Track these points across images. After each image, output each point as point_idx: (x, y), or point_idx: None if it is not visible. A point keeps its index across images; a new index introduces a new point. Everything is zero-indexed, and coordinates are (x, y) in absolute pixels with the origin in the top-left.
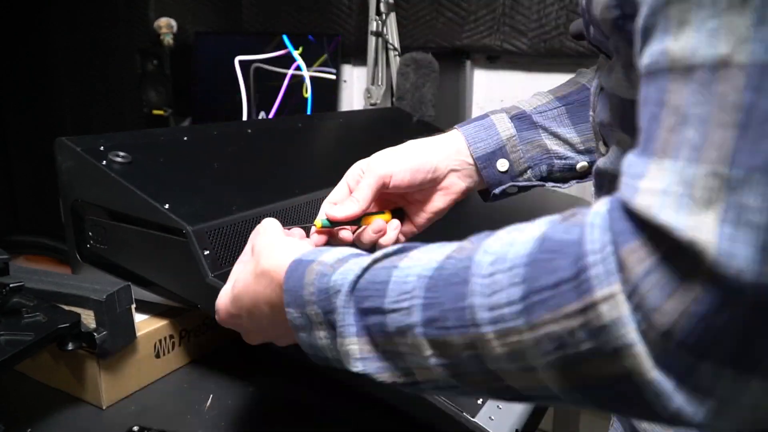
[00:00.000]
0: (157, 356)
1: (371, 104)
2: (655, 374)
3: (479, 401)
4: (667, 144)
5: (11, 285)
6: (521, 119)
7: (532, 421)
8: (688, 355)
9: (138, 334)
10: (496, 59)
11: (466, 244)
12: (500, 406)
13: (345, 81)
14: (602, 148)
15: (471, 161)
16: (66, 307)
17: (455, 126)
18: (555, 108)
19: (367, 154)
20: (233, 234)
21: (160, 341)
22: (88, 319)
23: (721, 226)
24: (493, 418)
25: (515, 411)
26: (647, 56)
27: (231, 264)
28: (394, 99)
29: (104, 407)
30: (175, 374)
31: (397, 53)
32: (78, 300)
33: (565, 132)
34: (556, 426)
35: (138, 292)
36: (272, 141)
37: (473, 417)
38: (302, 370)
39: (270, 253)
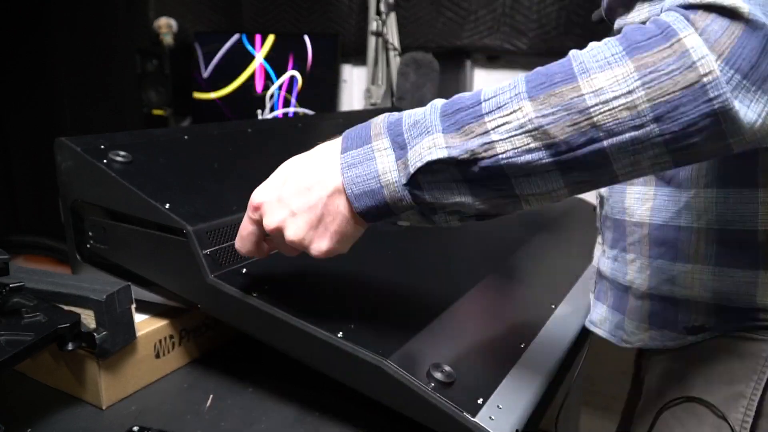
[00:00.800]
0: (157, 356)
1: (371, 104)
2: (718, 75)
3: (479, 401)
4: None
5: (11, 285)
6: None
7: (533, 421)
8: (732, 69)
9: (138, 334)
10: (496, 59)
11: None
12: (500, 406)
13: (345, 81)
14: None
15: None
16: (66, 307)
17: None
18: None
19: None
20: (233, 234)
21: (160, 341)
22: (88, 319)
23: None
24: (493, 417)
25: (515, 411)
26: None
27: (231, 264)
28: (394, 99)
29: (104, 407)
30: (175, 374)
31: (397, 53)
32: (78, 300)
33: None
34: (556, 426)
35: (138, 292)
36: (272, 141)
37: (473, 417)
38: (302, 370)
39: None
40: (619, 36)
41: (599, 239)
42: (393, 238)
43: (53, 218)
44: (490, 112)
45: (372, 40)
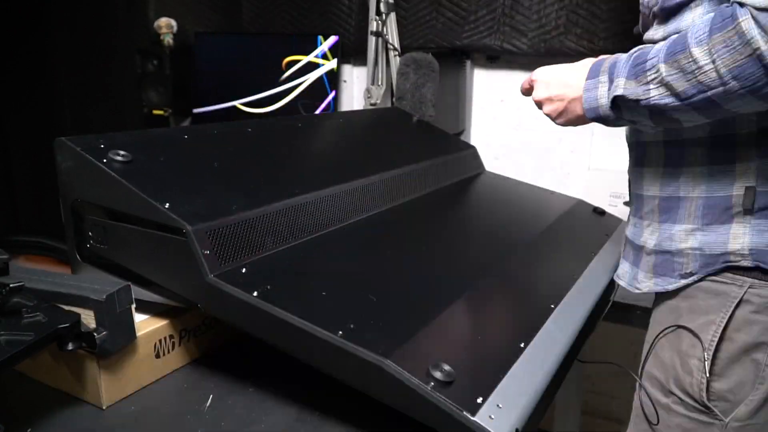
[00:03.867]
0: (157, 356)
1: (371, 104)
2: (764, 46)
3: (479, 400)
4: None
5: (11, 285)
6: None
7: (533, 420)
8: None
9: (138, 334)
10: (496, 59)
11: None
12: (500, 405)
13: (345, 81)
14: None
15: None
16: (66, 307)
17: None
18: None
19: (367, 154)
20: (233, 234)
21: (160, 341)
22: (88, 319)
23: None
24: (492, 416)
25: (515, 410)
26: None
27: (231, 264)
28: (394, 99)
29: (104, 407)
30: (175, 374)
31: (397, 53)
32: (78, 300)
33: None
34: (556, 426)
35: (138, 292)
36: (272, 141)
37: (473, 416)
38: (303, 370)
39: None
40: (706, 22)
41: (629, 211)
42: (393, 238)
43: (53, 218)
44: (649, 69)
45: (372, 40)
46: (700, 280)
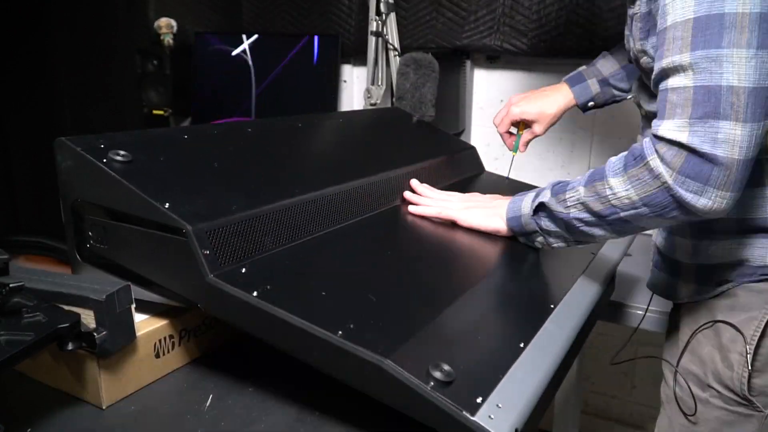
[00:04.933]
0: (157, 356)
1: (371, 104)
2: (674, 184)
3: (478, 400)
4: (669, 114)
5: (11, 285)
6: (602, 83)
7: (533, 420)
8: (683, 176)
9: (138, 334)
10: (496, 59)
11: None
12: (500, 405)
13: (345, 81)
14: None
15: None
16: (66, 307)
17: (565, 81)
18: (619, 73)
19: (368, 154)
20: (233, 234)
21: (160, 341)
22: (88, 319)
23: (688, 136)
24: (492, 416)
25: (515, 410)
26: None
27: (231, 264)
28: (394, 99)
29: (104, 407)
30: (175, 374)
31: (397, 53)
32: (78, 300)
33: (624, 87)
34: (556, 426)
35: (138, 292)
36: (272, 141)
37: (473, 416)
38: (303, 370)
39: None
40: (619, 158)
41: None
42: (393, 238)
43: (53, 218)
44: (569, 190)
45: (372, 40)
46: (737, 285)
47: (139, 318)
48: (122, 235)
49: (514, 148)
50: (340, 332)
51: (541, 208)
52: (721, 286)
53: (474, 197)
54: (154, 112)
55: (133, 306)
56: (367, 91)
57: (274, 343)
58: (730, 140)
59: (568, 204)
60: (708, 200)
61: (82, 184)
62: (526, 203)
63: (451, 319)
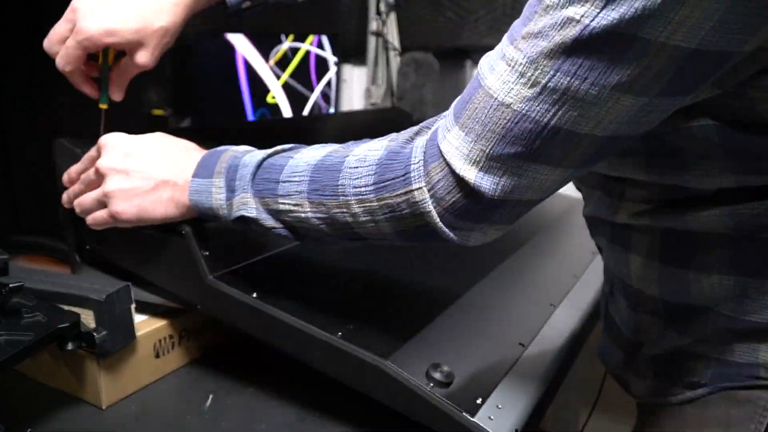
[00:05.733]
0: (157, 356)
1: (371, 104)
2: (440, 225)
3: (478, 401)
4: (466, 124)
5: (11, 285)
6: None
7: (533, 421)
8: (452, 217)
9: (138, 334)
10: None
11: (339, 147)
12: (500, 406)
13: (345, 81)
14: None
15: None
16: (66, 307)
17: None
18: None
19: None
20: (233, 234)
21: (160, 341)
22: (88, 319)
23: (477, 174)
24: (492, 417)
25: (515, 411)
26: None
27: (230, 264)
28: (394, 99)
29: (104, 407)
30: (175, 374)
31: (397, 53)
32: (78, 300)
33: None
34: (556, 426)
35: (138, 292)
36: (272, 141)
37: (472, 417)
38: (303, 370)
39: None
40: (374, 163)
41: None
42: None
43: (53, 218)
44: (282, 195)
45: (372, 40)
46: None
47: (139, 318)
48: (121, 236)
49: (103, 98)
50: (340, 333)
51: (243, 219)
52: (691, 390)
53: (128, 160)
54: (154, 112)
55: (133, 306)
56: (367, 91)
57: (273, 344)
58: (533, 186)
59: (283, 217)
60: (481, 236)
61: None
62: (219, 201)
63: (451, 320)
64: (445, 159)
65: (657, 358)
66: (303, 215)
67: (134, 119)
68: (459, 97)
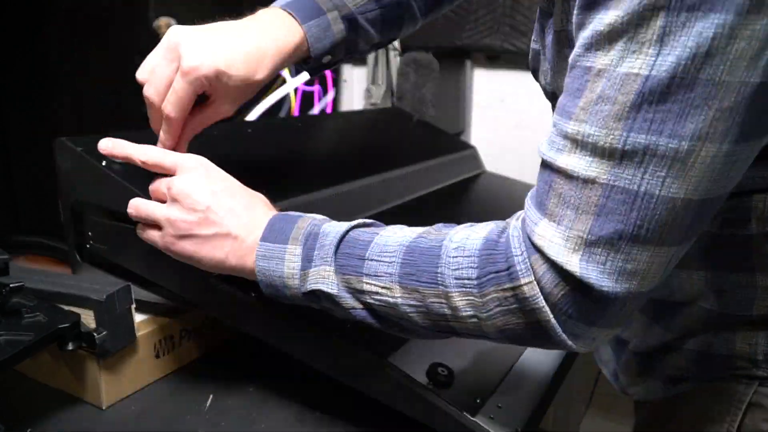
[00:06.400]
0: (157, 356)
1: (371, 104)
2: (553, 321)
3: (478, 401)
4: (554, 213)
5: (11, 285)
6: (347, 20)
7: (533, 421)
8: (564, 315)
9: (138, 334)
10: (496, 59)
11: (431, 229)
12: (500, 405)
13: (345, 81)
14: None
15: (300, 58)
16: (66, 307)
17: (284, 8)
18: (371, 8)
19: (367, 154)
20: None
21: (160, 341)
22: (88, 319)
23: (580, 263)
24: (492, 417)
25: (515, 410)
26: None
27: None
28: (394, 99)
29: (104, 407)
30: (175, 374)
31: (397, 53)
32: (78, 300)
33: (374, 36)
34: (556, 426)
35: (138, 292)
36: (272, 141)
37: (473, 417)
38: (303, 370)
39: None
40: (475, 255)
41: None
42: None
43: (53, 218)
44: (369, 275)
45: None
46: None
47: (139, 318)
48: (122, 235)
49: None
50: (340, 333)
51: (319, 293)
52: (676, 385)
53: (213, 199)
54: None
55: (133, 306)
56: (367, 91)
57: (274, 344)
58: (640, 271)
59: (367, 299)
60: (589, 340)
61: (82, 185)
62: (291, 270)
63: None
64: (542, 253)
65: (643, 354)
66: (392, 300)
67: (134, 119)
68: (532, 190)
